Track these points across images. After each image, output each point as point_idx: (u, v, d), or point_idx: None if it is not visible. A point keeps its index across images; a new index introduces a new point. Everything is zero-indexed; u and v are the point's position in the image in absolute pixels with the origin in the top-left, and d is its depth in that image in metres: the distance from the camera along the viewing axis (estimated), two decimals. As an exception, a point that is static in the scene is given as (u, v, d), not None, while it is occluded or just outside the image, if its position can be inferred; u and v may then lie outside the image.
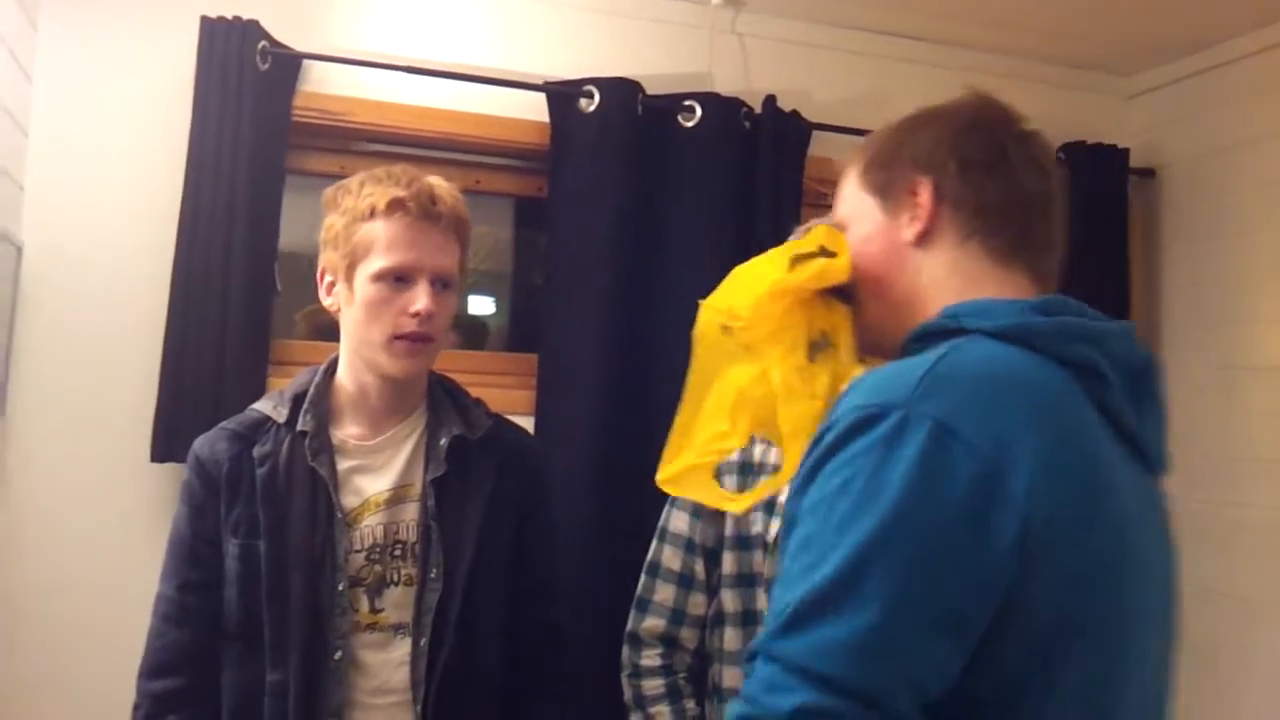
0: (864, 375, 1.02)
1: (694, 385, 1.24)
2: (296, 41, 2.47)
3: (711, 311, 1.21)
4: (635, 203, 2.61)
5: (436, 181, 1.59)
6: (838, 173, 3.07)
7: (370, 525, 1.56)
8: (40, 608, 2.29)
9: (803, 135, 2.78)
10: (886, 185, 1.22)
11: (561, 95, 2.62)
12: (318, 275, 1.61)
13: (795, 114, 2.77)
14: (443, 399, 1.65)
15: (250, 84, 2.37)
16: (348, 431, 1.60)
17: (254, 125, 2.36)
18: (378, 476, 1.58)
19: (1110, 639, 1.01)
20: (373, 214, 1.52)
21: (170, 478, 2.27)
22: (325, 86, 2.53)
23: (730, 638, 1.80)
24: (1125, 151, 3.07)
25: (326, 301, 1.60)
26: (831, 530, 0.92)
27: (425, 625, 1.53)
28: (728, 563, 1.82)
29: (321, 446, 1.55)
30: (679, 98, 2.69)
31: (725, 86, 2.76)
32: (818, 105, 2.83)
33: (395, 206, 1.51)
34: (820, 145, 2.81)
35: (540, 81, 2.61)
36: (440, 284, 1.55)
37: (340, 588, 1.51)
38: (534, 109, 2.61)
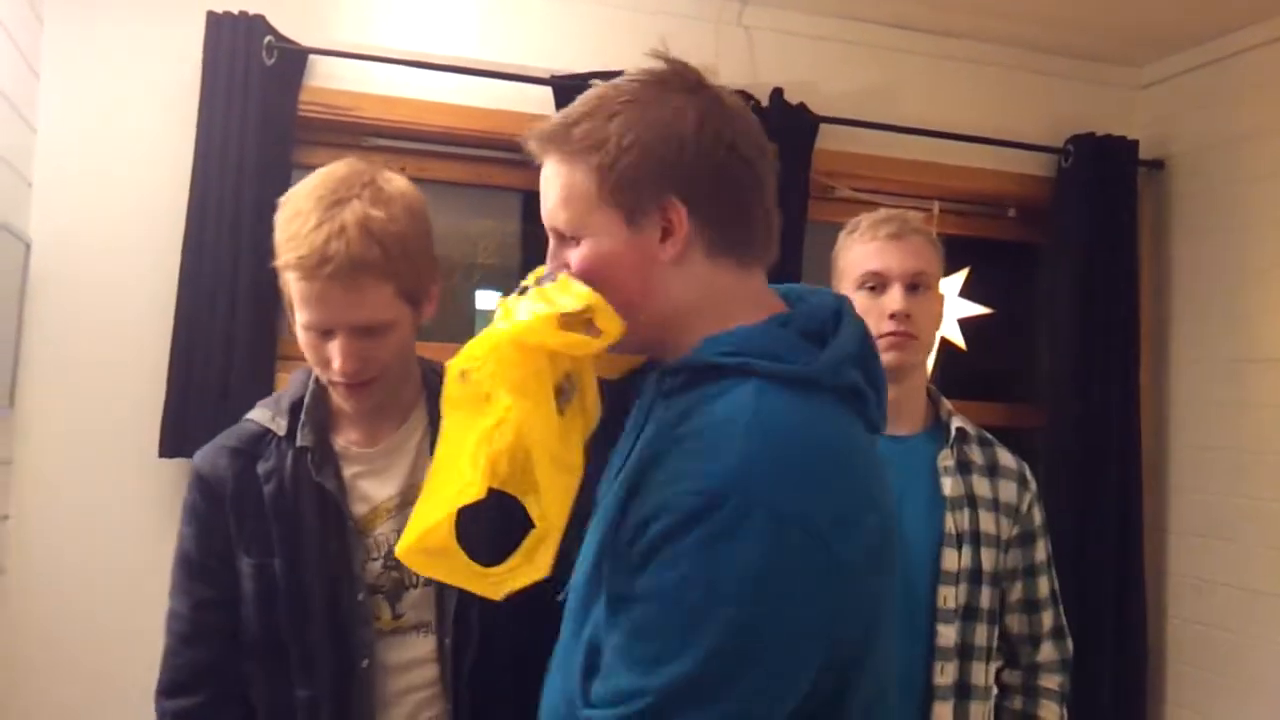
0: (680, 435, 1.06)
1: (440, 453, 1.12)
2: (302, 36, 2.47)
3: (453, 364, 1.10)
4: (642, 196, 2.60)
5: (350, 217, 1.39)
6: (846, 165, 3.08)
7: (384, 532, 1.53)
8: (48, 599, 2.30)
9: (810, 128, 2.78)
10: (634, 202, 1.12)
11: (567, 89, 2.60)
12: None
13: (802, 107, 2.77)
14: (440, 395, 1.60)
15: (256, 79, 2.37)
16: (348, 437, 1.56)
17: (260, 120, 2.37)
18: (384, 482, 1.55)
19: (886, 643, 1.11)
20: (284, 265, 1.42)
21: (178, 472, 2.27)
22: (331, 81, 2.53)
23: None
24: (1135, 143, 3.05)
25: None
26: (679, 625, 0.97)
27: (448, 625, 1.52)
28: None
29: (325, 458, 1.52)
30: (686, 91, 2.68)
31: (731, 80, 2.74)
32: (825, 98, 2.82)
33: (290, 268, 1.41)
34: (827, 138, 2.81)
35: (546, 75, 2.61)
36: (364, 332, 1.43)
37: (360, 597, 1.49)
38: (540, 103, 2.61)
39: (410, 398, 1.59)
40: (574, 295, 1.10)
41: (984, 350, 3.09)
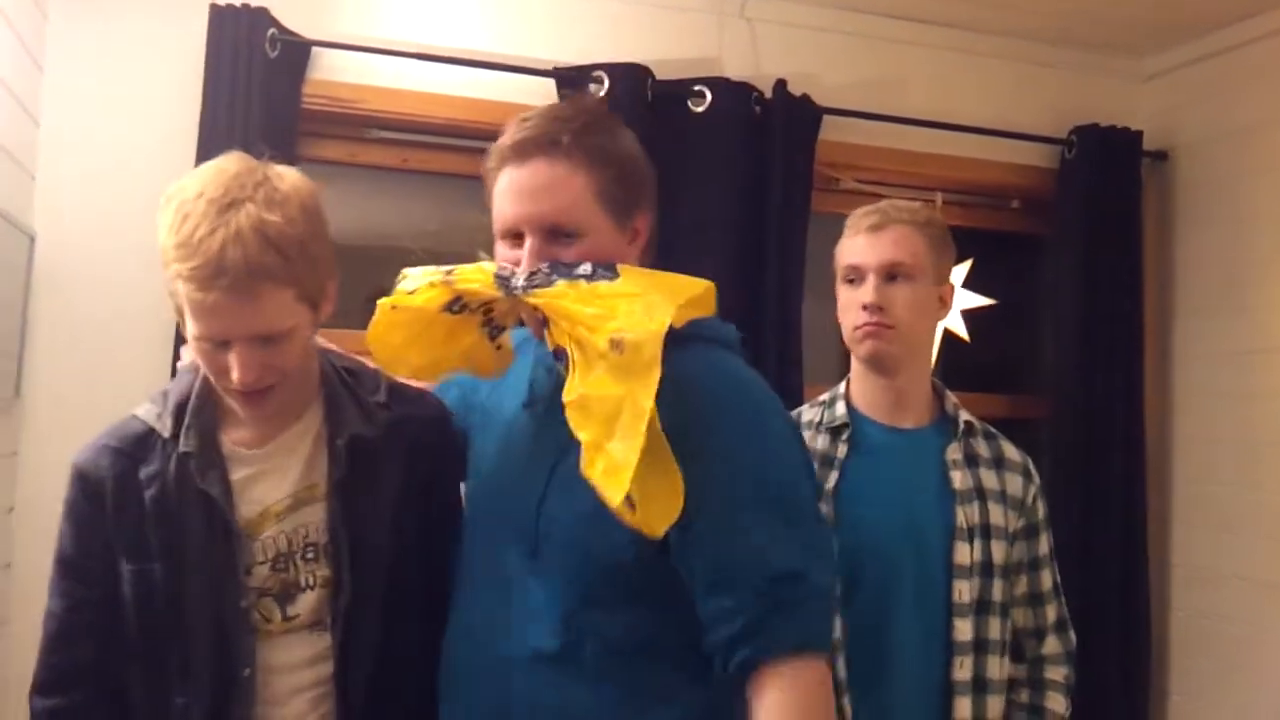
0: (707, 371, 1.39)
1: (598, 403, 1.27)
2: (305, 28, 2.47)
3: (598, 332, 1.30)
4: (645, 188, 2.60)
5: (244, 221, 1.33)
6: (849, 157, 3.08)
7: (271, 535, 1.47)
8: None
9: (813, 120, 2.77)
10: (622, 209, 1.43)
11: (571, 80, 2.61)
12: None
13: (806, 98, 2.76)
14: (339, 393, 1.53)
15: (260, 71, 2.37)
16: (237, 438, 1.49)
17: (264, 113, 2.37)
18: (274, 483, 1.49)
19: None
20: (170, 273, 1.35)
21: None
22: (335, 74, 2.53)
23: None
24: (1139, 134, 3.05)
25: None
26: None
27: (341, 625, 1.47)
28: None
29: (210, 462, 1.45)
30: (689, 83, 2.68)
31: (735, 71, 2.75)
32: (828, 89, 2.82)
33: (182, 278, 1.33)
34: (831, 130, 2.80)
35: (550, 67, 2.61)
36: (262, 340, 1.38)
37: (244, 604, 1.44)
38: (544, 95, 2.60)
39: (306, 395, 1.53)
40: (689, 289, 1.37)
41: (987, 341, 3.09)
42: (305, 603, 1.48)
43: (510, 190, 1.40)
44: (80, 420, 2.31)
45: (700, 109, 2.68)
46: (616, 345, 1.26)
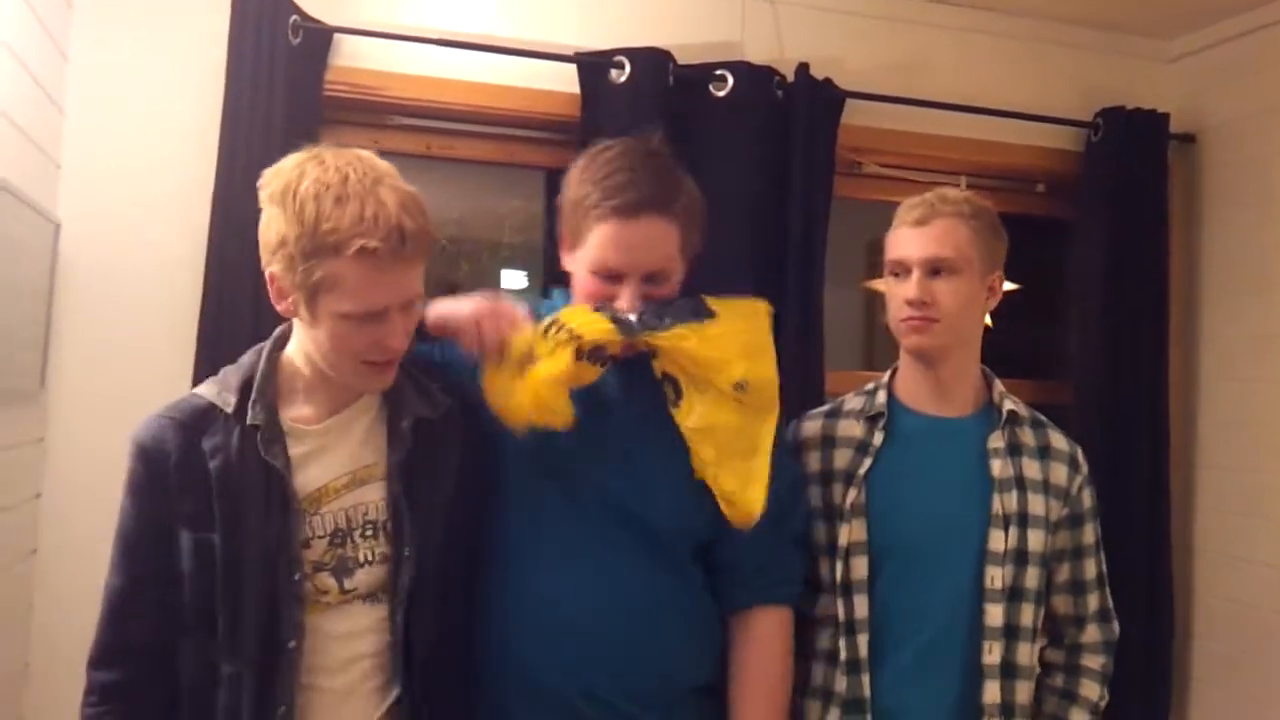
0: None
1: (725, 438, 1.69)
2: (327, 15, 2.47)
3: (728, 374, 1.68)
4: (667, 173, 2.59)
5: (400, 200, 1.44)
6: (873, 141, 3.07)
7: (330, 511, 1.53)
8: (79, 577, 2.31)
9: (836, 103, 2.76)
10: (691, 254, 1.75)
11: (592, 66, 2.60)
12: (265, 276, 1.50)
13: (828, 82, 2.75)
14: (401, 380, 1.60)
15: (282, 59, 2.37)
16: (299, 413, 1.56)
17: (286, 100, 2.37)
18: (332, 460, 1.55)
19: None
20: (337, 252, 1.40)
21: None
22: (357, 60, 2.53)
23: (823, 602, 1.88)
24: (1165, 116, 3.01)
25: (279, 305, 1.51)
26: None
27: (401, 599, 1.53)
28: (819, 533, 1.89)
29: (274, 437, 1.51)
30: (710, 67, 2.67)
31: (757, 55, 2.74)
32: (851, 73, 2.80)
33: (364, 254, 1.40)
34: (853, 113, 2.79)
35: (571, 53, 2.60)
36: (409, 308, 1.50)
37: (296, 577, 1.49)
38: (565, 80, 2.60)
39: None
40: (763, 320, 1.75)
41: (1012, 326, 3.07)
42: (362, 578, 1.54)
43: (621, 242, 1.64)
44: (105, 408, 2.35)
45: (722, 93, 2.66)
46: (741, 387, 1.65)
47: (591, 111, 2.59)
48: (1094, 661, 1.92)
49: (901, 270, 1.86)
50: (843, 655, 1.80)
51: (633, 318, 1.63)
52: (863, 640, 1.80)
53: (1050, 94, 3.01)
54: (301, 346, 1.56)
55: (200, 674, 1.49)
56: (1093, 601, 1.93)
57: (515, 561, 1.69)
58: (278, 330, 1.61)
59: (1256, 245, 2.89)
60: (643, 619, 1.67)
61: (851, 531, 1.82)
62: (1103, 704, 1.92)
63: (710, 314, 1.66)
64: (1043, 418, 1.97)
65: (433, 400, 1.62)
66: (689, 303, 1.67)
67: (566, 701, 1.64)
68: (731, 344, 1.65)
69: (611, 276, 1.66)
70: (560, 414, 1.59)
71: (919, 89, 2.86)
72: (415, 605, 1.54)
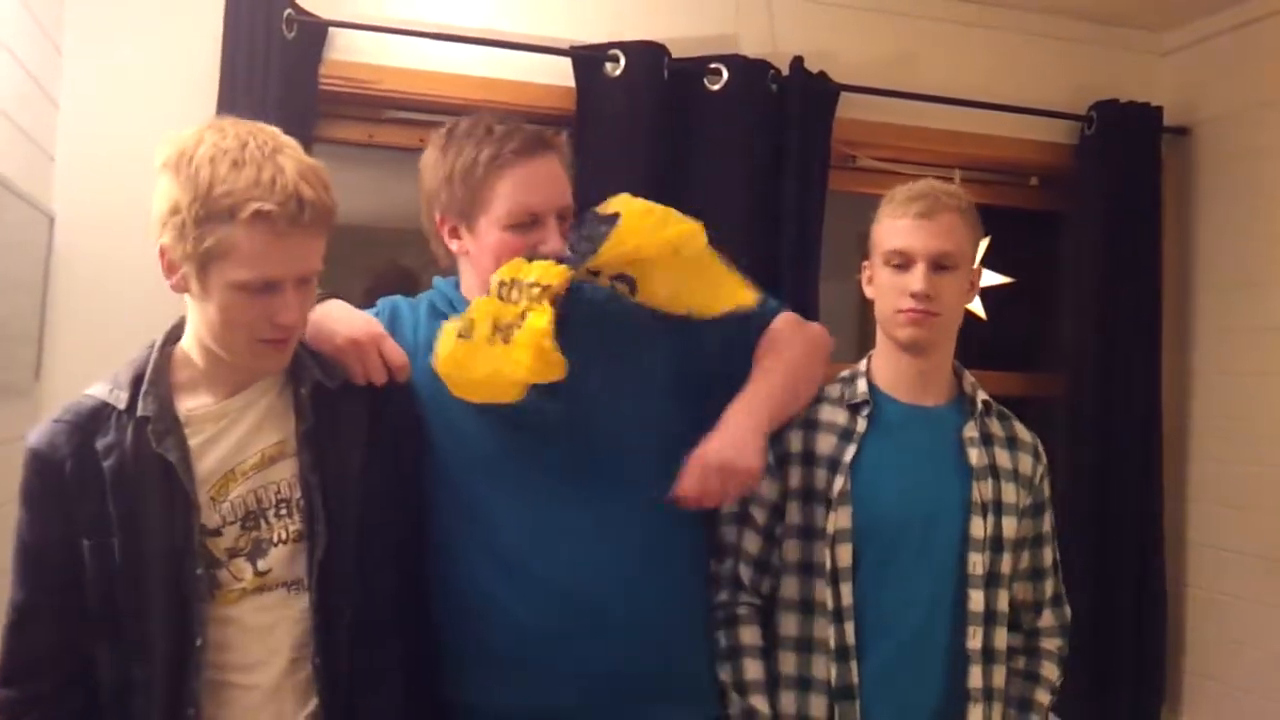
0: None
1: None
2: (322, 9, 2.47)
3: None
4: (661, 167, 2.60)
5: (299, 169, 1.41)
6: (867, 134, 3.07)
7: (240, 494, 1.49)
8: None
9: (830, 97, 2.76)
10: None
11: (587, 59, 2.60)
12: (156, 249, 1.46)
13: (823, 75, 2.75)
14: (299, 351, 1.56)
15: (277, 52, 2.37)
16: (198, 402, 1.51)
17: (281, 93, 2.37)
18: (238, 442, 1.51)
19: None
20: (231, 217, 1.36)
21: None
22: (351, 54, 2.53)
23: (788, 586, 1.88)
24: (1159, 110, 3.02)
25: (169, 281, 1.47)
26: None
27: (317, 577, 1.49)
28: (791, 514, 1.89)
29: (167, 428, 1.46)
30: (705, 60, 2.67)
31: (752, 48, 2.74)
32: (845, 66, 2.80)
33: (259, 219, 1.36)
34: (848, 107, 2.79)
35: (566, 46, 2.60)
36: (306, 283, 1.46)
37: (199, 571, 1.45)
38: (560, 74, 2.60)
39: None
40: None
41: (1005, 319, 3.08)
42: (276, 557, 1.50)
43: (533, 181, 1.68)
44: (102, 401, 2.35)
45: (716, 87, 2.66)
46: (676, 250, 1.70)
47: (586, 105, 2.60)
48: (1052, 644, 1.98)
49: (903, 262, 1.85)
50: (831, 643, 1.82)
51: (569, 253, 1.68)
52: (849, 627, 1.82)
53: (1044, 87, 3.01)
54: (194, 331, 1.51)
55: (116, 680, 1.45)
56: (1049, 587, 1.99)
57: (471, 524, 1.69)
58: (170, 325, 1.58)
59: (1250, 238, 2.90)
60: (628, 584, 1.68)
61: (838, 519, 1.83)
62: (1059, 684, 1.98)
63: (614, 218, 1.70)
64: (1005, 410, 2.01)
65: (329, 370, 1.57)
66: (591, 220, 1.72)
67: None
68: (646, 223, 1.70)
69: (528, 224, 1.69)
70: (560, 364, 1.58)
71: (913, 82, 2.87)
72: (332, 583, 1.49)
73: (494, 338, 1.59)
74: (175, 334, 1.57)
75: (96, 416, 1.49)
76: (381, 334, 1.65)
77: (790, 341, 1.88)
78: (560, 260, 1.65)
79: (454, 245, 1.77)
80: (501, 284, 1.63)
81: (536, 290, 1.60)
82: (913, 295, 1.83)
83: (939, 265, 1.83)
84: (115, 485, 1.45)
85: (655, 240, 1.69)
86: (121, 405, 1.48)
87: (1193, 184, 3.09)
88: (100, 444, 1.46)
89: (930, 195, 1.87)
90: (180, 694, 1.43)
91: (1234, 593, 2.88)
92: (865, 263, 1.97)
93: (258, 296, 1.41)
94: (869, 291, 1.95)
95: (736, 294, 1.76)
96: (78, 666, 1.46)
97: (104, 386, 1.52)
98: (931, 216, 1.84)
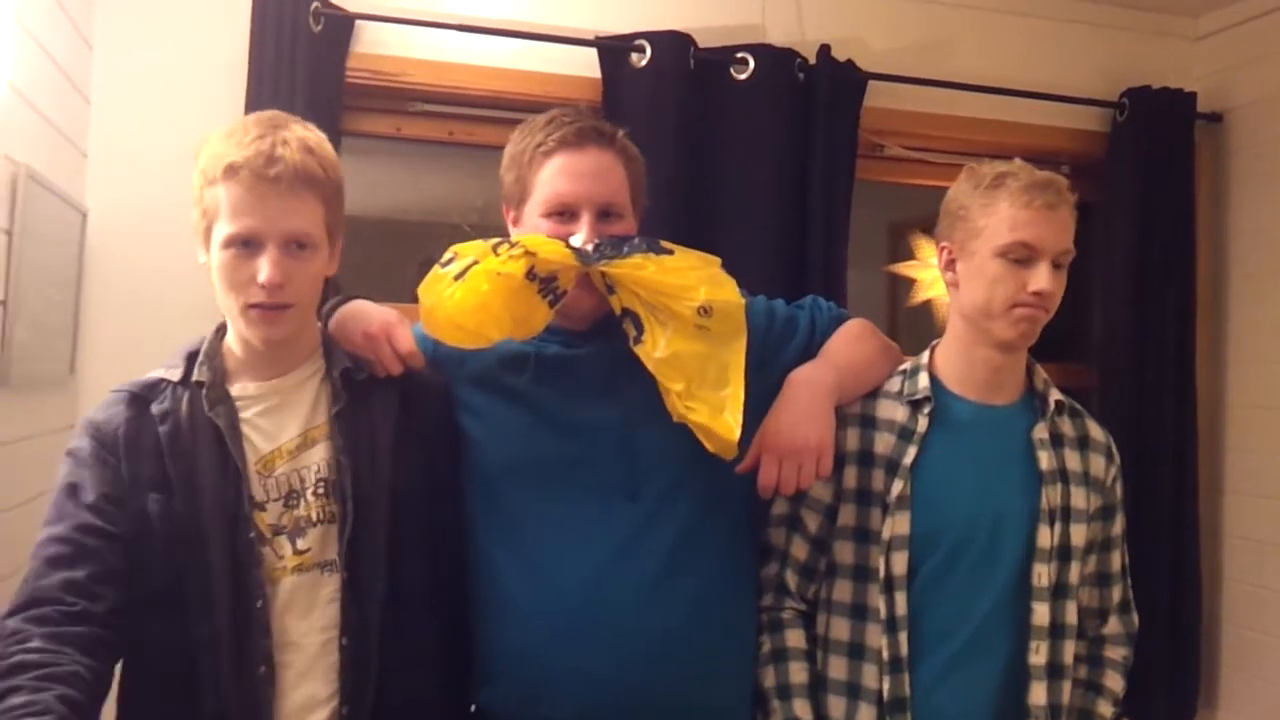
0: None
1: (692, 363, 1.61)
2: (348, 2, 2.48)
3: (688, 300, 1.62)
4: (688, 157, 2.59)
5: (290, 135, 1.48)
6: (895, 123, 3.06)
7: (284, 472, 1.54)
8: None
9: (858, 86, 2.74)
10: (637, 203, 1.79)
11: (613, 50, 2.60)
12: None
13: (850, 64, 2.73)
14: (330, 343, 1.64)
15: (304, 46, 2.38)
16: (244, 381, 1.57)
17: (309, 87, 2.38)
18: (282, 420, 1.56)
19: None
20: (215, 177, 1.46)
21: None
22: (378, 47, 2.54)
23: (841, 590, 1.80)
24: (1192, 95, 2.99)
25: (201, 260, 1.55)
26: None
27: (346, 557, 1.52)
28: (844, 515, 1.80)
29: (219, 397, 1.53)
30: (731, 50, 2.66)
31: (778, 37, 2.73)
32: (873, 54, 2.78)
33: (230, 172, 1.44)
34: (875, 95, 2.77)
35: (591, 36, 2.60)
36: (295, 246, 1.48)
37: (251, 536, 1.49)
38: (586, 65, 2.60)
39: (309, 345, 1.62)
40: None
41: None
42: (314, 537, 1.53)
43: (570, 171, 1.65)
44: (134, 394, 2.37)
45: (743, 76, 2.65)
46: (705, 312, 1.59)
47: (612, 96, 2.59)
48: (1116, 653, 1.87)
49: (1026, 256, 1.70)
50: (885, 654, 1.72)
51: (589, 248, 1.60)
52: (903, 638, 1.71)
53: (1075, 74, 2.98)
54: (230, 324, 1.59)
55: (181, 639, 1.46)
56: (1116, 594, 1.87)
57: (513, 535, 1.67)
58: (220, 320, 1.63)
59: (1285, 225, 2.86)
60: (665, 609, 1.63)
61: (895, 525, 1.73)
62: (1122, 694, 1.86)
63: (667, 250, 1.63)
64: (1077, 405, 1.89)
65: (358, 362, 1.62)
66: (645, 238, 1.64)
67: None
68: (690, 273, 1.61)
69: (565, 214, 1.66)
70: (528, 321, 1.60)
71: (941, 70, 2.84)
72: (361, 564, 1.52)
73: (461, 276, 1.56)
74: (224, 327, 1.63)
75: (154, 388, 1.55)
76: (392, 325, 1.66)
77: (862, 333, 1.89)
78: (572, 248, 1.59)
79: (516, 229, 1.75)
80: (501, 240, 1.59)
81: (520, 251, 1.56)
82: (1035, 293, 1.69)
83: (1057, 263, 1.72)
84: (171, 448, 1.50)
85: (681, 284, 1.60)
86: (176, 378, 1.55)
87: (1226, 171, 3.05)
88: (156, 409, 1.52)
89: (1053, 185, 1.72)
90: (248, 651, 1.47)
91: (1270, 586, 2.85)
92: (944, 244, 1.82)
93: (241, 255, 1.47)
94: (949, 278, 1.81)
95: (728, 424, 1.59)
96: (106, 608, 1.43)
97: (161, 368, 1.59)
98: (1056, 209, 1.71)
